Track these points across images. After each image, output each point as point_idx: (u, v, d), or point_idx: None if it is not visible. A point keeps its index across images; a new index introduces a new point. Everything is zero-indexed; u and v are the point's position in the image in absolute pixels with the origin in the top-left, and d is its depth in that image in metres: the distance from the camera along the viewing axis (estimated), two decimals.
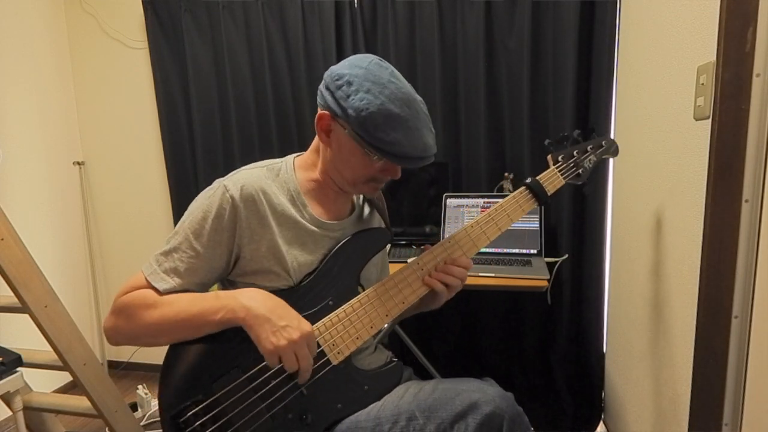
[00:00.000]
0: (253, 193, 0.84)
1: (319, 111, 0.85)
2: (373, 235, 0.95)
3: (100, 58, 2.32)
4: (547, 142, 1.03)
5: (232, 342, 0.80)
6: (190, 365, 0.80)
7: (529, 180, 0.97)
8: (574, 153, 1.02)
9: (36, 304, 1.27)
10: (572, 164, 1.01)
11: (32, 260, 1.28)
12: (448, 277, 0.88)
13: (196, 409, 0.79)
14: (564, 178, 0.99)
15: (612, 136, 1.71)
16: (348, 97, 0.79)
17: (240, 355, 0.80)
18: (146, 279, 0.82)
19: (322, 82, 0.85)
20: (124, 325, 0.81)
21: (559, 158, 1.01)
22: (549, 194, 0.97)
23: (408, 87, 0.82)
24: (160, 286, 0.81)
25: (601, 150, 1.06)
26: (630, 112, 1.49)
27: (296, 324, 0.77)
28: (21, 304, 1.27)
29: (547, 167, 1.00)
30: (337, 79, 0.81)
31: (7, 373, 1.32)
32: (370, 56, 0.84)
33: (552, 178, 0.98)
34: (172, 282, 0.81)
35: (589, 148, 1.04)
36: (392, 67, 0.84)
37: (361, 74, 0.80)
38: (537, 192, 0.96)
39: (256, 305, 0.77)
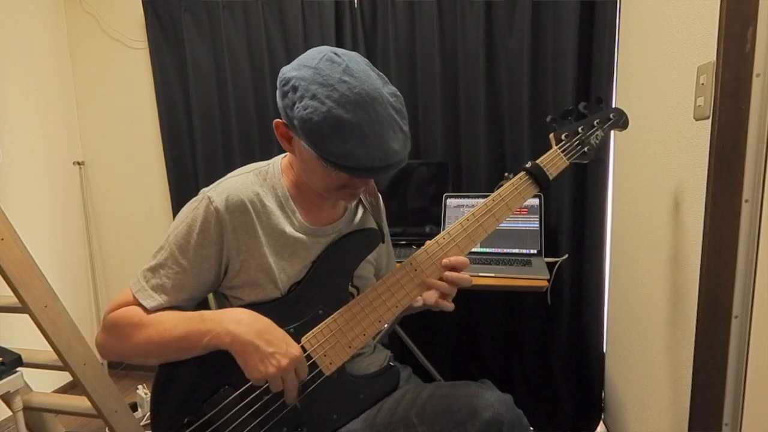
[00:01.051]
0: (239, 204, 0.80)
1: (277, 119, 0.79)
2: (361, 236, 0.90)
3: (100, 58, 2.32)
4: (549, 118, 0.94)
5: (221, 360, 0.76)
6: (179, 386, 0.79)
7: (528, 164, 0.88)
8: (579, 129, 0.92)
9: (36, 304, 1.27)
10: (577, 142, 0.92)
11: (32, 260, 1.28)
12: (443, 285, 0.82)
13: (189, 430, 0.78)
14: (568, 159, 0.90)
15: (611, 135, 1.71)
16: (294, 105, 0.71)
17: (230, 372, 0.77)
18: (134, 296, 0.80)
19: None
20: (113, 344, 0.80)
21: (563, 137, 0.92)
22: (552, 178, 0.88)
23: (367, 83, 0.71)
24: (147, 304, 0.78)
25: (609, 123, 0.96)
26: (630, 112, 1.48)
27: (284, 349, 0.74)
28: (21, 304, 1.27)
29: (550, 147, 0.92)
30: (284, 84, 0.74)
31: (7, 373, 1.31)
32: (324, 50, 0.74)
33: (554, 160, 0.89)
34: (159, 299, 0.79)
35: (595, 122, 0.94)
36: (351, 60, 0.73)
37: (307, 76, 0.71)
38: (538, 177, 0.87)
39: (242, 330, 0.74)
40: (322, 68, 0.71)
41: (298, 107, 0.71)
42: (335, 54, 0.73)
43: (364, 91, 0.70)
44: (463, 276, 0.83)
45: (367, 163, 0.71)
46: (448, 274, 0.82)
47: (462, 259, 0.83)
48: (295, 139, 0.79)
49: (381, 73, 0.77)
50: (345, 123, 0.69)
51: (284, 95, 0.74)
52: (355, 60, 0.74)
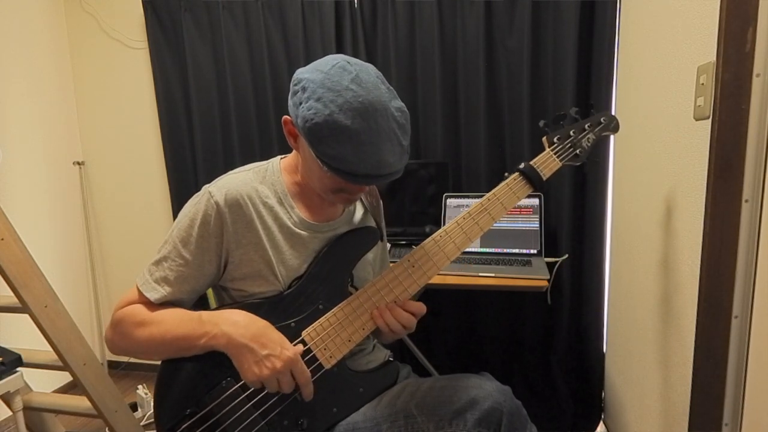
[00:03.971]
0: (238, 198, 0.83)
1: (286, 116, 0.83)
2: (361, 234, 0.92)
3: (100, 58, 2.32)
4: (542, 123, 0.98)
5: (223, 353, 0.79)
6: (182, 378, 0.80)
7: (522, 165, 0.92)
8: (571, 133, 0.97)
9: (36, 304, 1.27)
10: (569, 145, 0.96)
11: (32, 260, 1.28)
12: (389, 317, 0.83)
13: (191, 421, 0.79)
14: (561, 160, 0.95)
15: (611, 136, 1.71)
16: (300, 104, 0.75)
17: (232, 365, 0.79)
18: (138, 290, 0.83)
19: None
20: (120, 341, 0.83)
21: (555, 139, 0.96)
22: (545, 178, 0.92)
23: (373, 94, 0.73)
24: (151, 296, 0.81)
25: (600, 127, 1.00)
26: (630, 112, 1.49)
27: (279, 352, 0.76)
28: (21, 304, 1.27)
29: (543, 150, 0.96)
30: (295, 84, 0.78)
31: (7, 373, 1.31)
32: (338, 58, 0.77)
33: (547, 161, 0.94)
34: (162, 291, 0.81)
35: (587, 126, 0.99)
36: (362, 71, 0.75)
37: (318, 79, 0.74)
38: (531, 177, 0.91)
39: (237, 333, 0.76)
40: (332, 74, 0.73)
41: (303, 107, 0.74)
42: (348, 63, 0.76)
43: (368, 101, 0.72)
44: (413, 320, 0.85)
45: (359, 169, 0.74)
46: (403, 314, 0.84)
47: (421, 307, 0.86)
48: (300, 138, 0.82)
49: (391, 88, 0.79)
50: (343, 128, 0.71)
51: (294, 94, 0.78)
52: (366, 71, 0.76)
